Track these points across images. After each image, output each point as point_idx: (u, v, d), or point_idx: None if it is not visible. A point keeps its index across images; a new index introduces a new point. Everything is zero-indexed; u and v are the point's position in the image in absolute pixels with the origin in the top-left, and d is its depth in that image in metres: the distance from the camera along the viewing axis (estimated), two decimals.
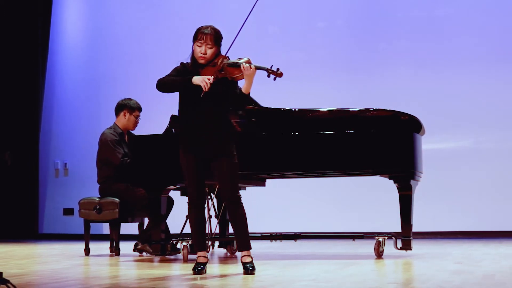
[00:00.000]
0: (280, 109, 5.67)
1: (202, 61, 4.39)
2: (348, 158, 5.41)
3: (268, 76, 4.35)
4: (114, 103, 6.49)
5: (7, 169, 9.20)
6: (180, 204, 6.37)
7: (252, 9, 4.38)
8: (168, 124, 5.80)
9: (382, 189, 6.99)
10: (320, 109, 5.68)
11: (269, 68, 4.34)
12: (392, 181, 5.49)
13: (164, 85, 4.41)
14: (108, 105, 6.53)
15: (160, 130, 5.82)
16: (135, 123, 6.42)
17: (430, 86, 8.49)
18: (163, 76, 4.44)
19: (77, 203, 6.44)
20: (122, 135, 6.35)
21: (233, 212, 4.44)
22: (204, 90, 4.26)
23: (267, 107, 5.66)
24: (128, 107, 6.39)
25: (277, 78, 4.35)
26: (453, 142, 8.47)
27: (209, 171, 4.46)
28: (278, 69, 4.33)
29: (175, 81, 4.39)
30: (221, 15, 9.05)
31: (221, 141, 4.39)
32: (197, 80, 4.30)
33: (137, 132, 6.43)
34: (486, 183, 8.23)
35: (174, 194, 6.19)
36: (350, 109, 5.67)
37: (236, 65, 4.34)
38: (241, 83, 4.43)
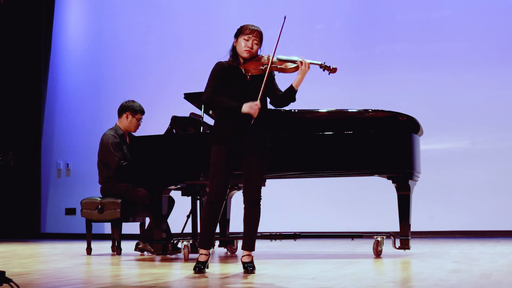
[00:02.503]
0: (280, 110, 5.69)
1: (246, 55, 4.42)
2: (347, 158, 5.44)
3: (323, 70, 4.43)
4: (115, 104, 6.52)
5: (9, 170, 9.23)
6: (181, 204, 6.42)
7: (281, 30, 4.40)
8: (169, 125, 5.84)
9: (380, 189, 7.03)
10: (319, 110, 5.71)
11: (322, 63, 4.40)
12: (390, 181, 5.52)
13: (214, 106, 4.41)
14: (110, 106, 6.57)
15: (161, 131, 5.85)
16: (137, 126, 6.45)
17: (428, 87, 8.51)
18: (207, 88, 4.37)
19: (79, 203, 6.48)
20: (123, 137, 6.38)
21: (250, 212, 4.44)
22: (254, 116, 4.29)
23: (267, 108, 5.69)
24: (132, 110, 6.41)
25: (331, 74, 4.43)
26: (450, 143, 8.50)
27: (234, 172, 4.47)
28: (331, 66, 4.39)
29: (223, 106, 4.35)
30: (222, 16, 9.10)
31: (259, 138, 4.41)
32: (245, 108, 4.29)
33: (138, 133, 6.47)
34: (483, 183, 8.25)
35: (175, 194, 6.23)
36: (349, 110, 5.70)
37: (287, 60, 4.40)
38: (281, 81, 4.48)
